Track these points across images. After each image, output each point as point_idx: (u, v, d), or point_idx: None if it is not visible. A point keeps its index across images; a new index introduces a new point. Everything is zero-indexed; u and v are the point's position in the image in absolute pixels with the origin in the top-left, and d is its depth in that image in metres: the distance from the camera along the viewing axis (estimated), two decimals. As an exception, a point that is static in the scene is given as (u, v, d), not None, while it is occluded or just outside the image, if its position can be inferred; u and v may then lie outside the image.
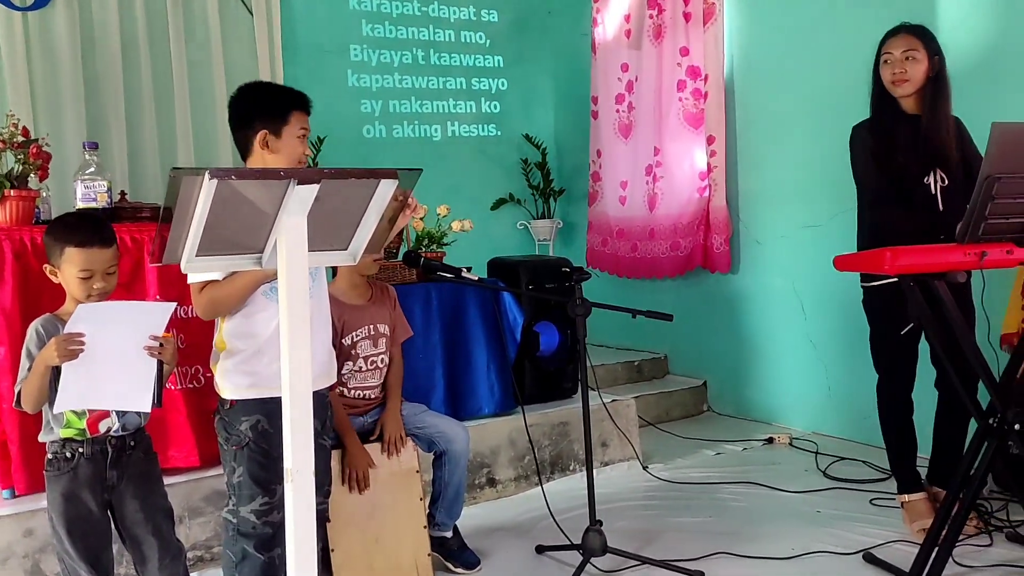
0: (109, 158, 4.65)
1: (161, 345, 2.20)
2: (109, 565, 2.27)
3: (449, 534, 3.03)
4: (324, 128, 5.27)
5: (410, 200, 2.15)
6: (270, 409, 2.33)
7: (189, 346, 2.98)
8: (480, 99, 6.07)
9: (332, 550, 2.72)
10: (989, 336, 2.94)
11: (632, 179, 5.59)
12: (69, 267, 2.19)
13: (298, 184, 1.90)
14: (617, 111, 5.65)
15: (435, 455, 2.99)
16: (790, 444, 4.55)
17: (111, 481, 2.24)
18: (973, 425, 2.76)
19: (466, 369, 3.78)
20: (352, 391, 2.93)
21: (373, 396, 2.97)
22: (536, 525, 3.41)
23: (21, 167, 3.03)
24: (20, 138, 3.04)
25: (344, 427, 2.82)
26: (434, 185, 5.83)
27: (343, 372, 2.90)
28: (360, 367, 2.93)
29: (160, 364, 2.22)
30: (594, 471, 4.00)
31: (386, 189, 2.05)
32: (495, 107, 6.13)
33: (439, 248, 3.91)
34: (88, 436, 2.22)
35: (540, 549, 3.17)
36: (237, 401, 2.33)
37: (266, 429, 2.33)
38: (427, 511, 2.99)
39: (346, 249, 2.17)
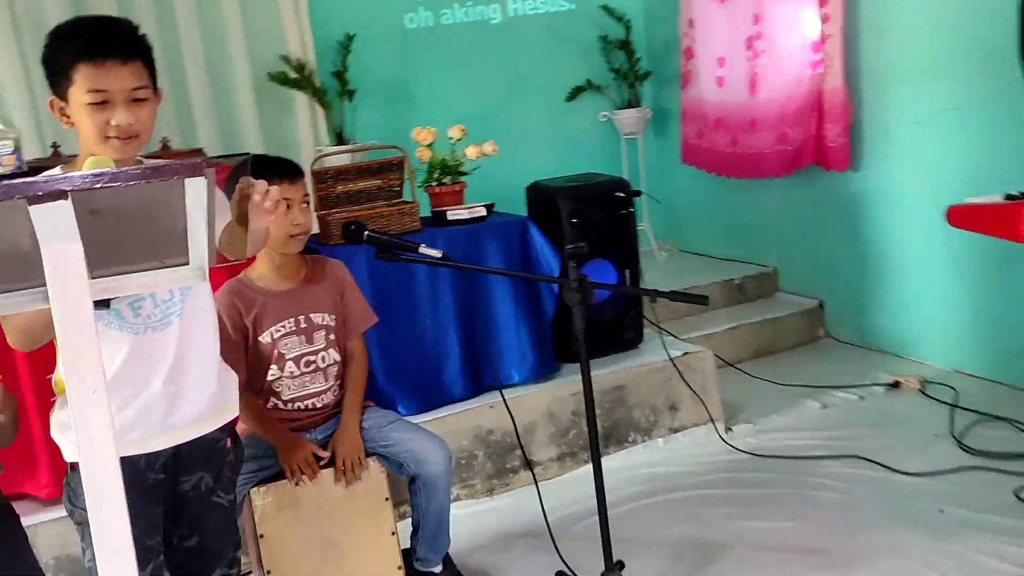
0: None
1: None
2: None
3: (438, 569, 2.43)
4: (355, 23, 4.54)
5: (256, 190, 1.44)
6: (123, 474, 1.75)
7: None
8: (548, -34, 5.11)
9: (276, 607, 2.19)
10: None
11: (730, 55, 4.54)
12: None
13: (30, 205, 1.23)
14: (710, -33, 4.57)
15: (408, 479, 2.36)
16: (921, 391, 3.62)
17: None
18: None
19: (488, 331, 3.10)
20: (289, 403, 2.32)
21: (321, 404, 2.36)
22: (579, 523, 2.75)
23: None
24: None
25: (263, 424, 2.26)
26: (495, 78, 5.07)
27: (269, 379, 2.29)
28: (291, 371, 2.30)
29: None
30: (660, 441, 3.35)
31: (198, 189, 1.33)
32: (567, -26, 5.15)
33: (456, 180, 3.16)
34: None
35: None
36: (76, 464, 1.77)
37: (120, 501, 1.75)
38: (404, 546, 2.40)
39: (187, 264, 1.49)
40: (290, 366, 2.29)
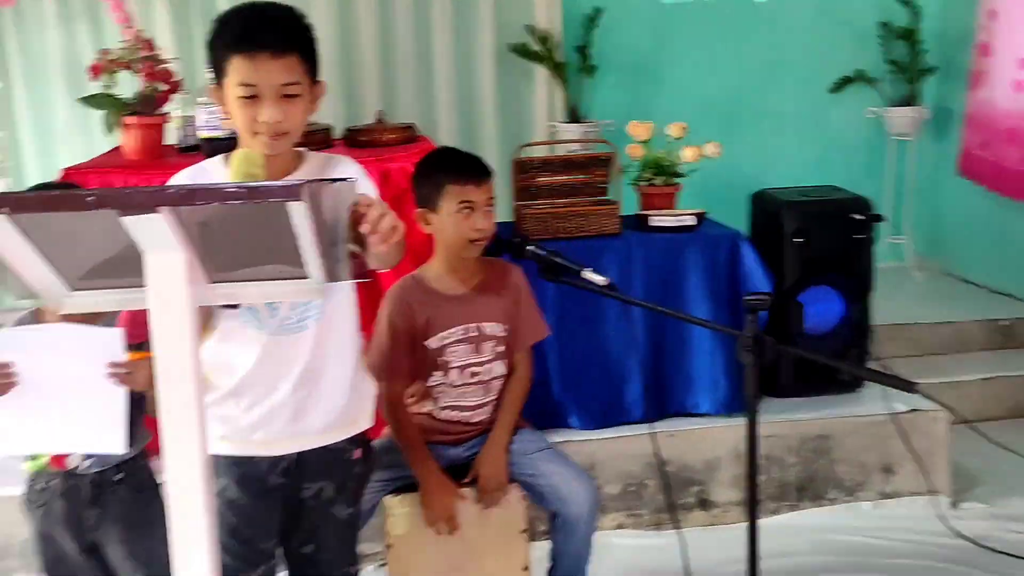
0: (360, 48, 4.18)
1: (128, 372, 1.69)
2: None
3: (571, 612, 2.24)
4: (605, -4, 4.30)
5: (367, 215, 1.31)
6: (244, 473, 1.74)
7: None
8: (831, -62, 4.56)
9: (395, 622, 2.12)
10: None
11: (1037, 55, 3.83)
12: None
13: (120, 216, 1.18)
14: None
15: (549, 513, 2.18)
16: None
17: (90, 522, 1.84)
18: None
19: (679, 352, 2.82)
20: (444, 411, 2.21)
21: (475, 421, 2.22)
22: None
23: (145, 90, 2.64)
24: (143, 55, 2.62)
25: (414, 453, 2.13)
26: (751, 61, 4.63)
27: (430, 383, 2.18)
28: (453, 380, 2.17)
29: (135, 394, 1.71)
30: (866, 506, 2.92)
31: (300, 211, 1.23)
32: (852, -51, 4.57)
33: (669, 182, 2.89)
34: (55, 470, 1.83)
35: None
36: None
37: (234, 499, 1.73)
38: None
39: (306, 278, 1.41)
40: (454, 374, 2.17)
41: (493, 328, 2.18)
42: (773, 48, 4.58)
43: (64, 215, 1.21)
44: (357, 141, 2.83)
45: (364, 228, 1.31)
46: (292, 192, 1.18)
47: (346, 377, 1.77)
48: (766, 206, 3.02)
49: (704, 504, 2.85)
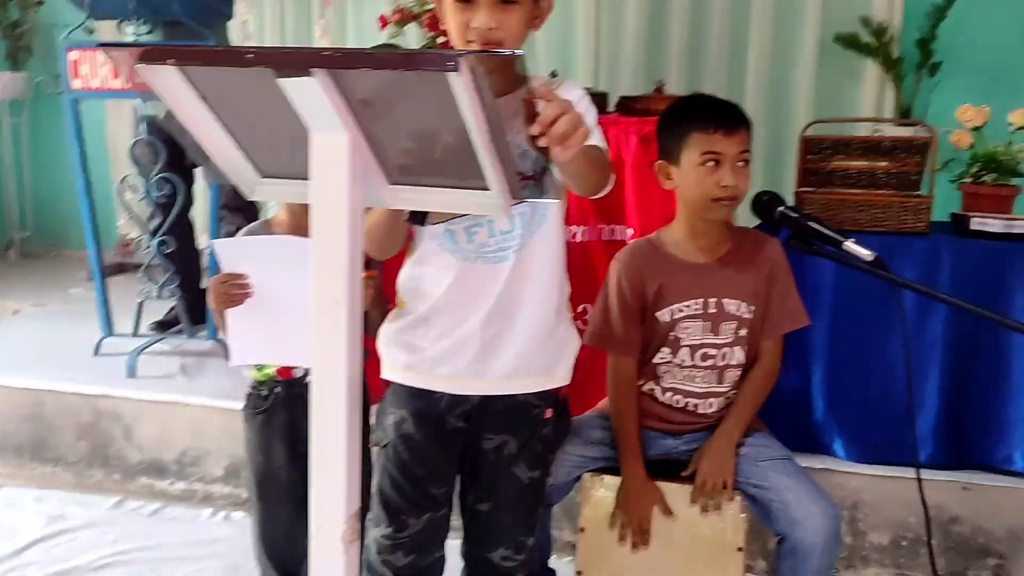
0: (667, 28, 4.00)
1: None
2: (297, 555, 1.81)
3: (789, 661, 1.84)
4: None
5: (545, 109, 1.11)
6: (423, 408, 1.61)
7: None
8: None
9: (576, 618, 1.87)
10: None
11: None
12: None
13: (277, 76, 1.11)
14: None
15: (777, 537, 1.80)
16: None
17: (305, 432, 1.79)
18: None
19: (993, 387, 2.26)
20: (667, 393, 1.92)
21: (701, 412, 1.90)
22: None
23: (427, 42, 2.65)
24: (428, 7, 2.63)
25: (625, 444, 1.87)
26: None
27: (656, 360, 1.91)
28: (683, 360, 1.88)
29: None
30: None
31: (461, 89, 1.08)
32: None
33: (1003, 181, 2.36)
34: (280, 379, 1.83)
35: None
36: (391, 384, 1.65)
37: (410, 434, 1.60)
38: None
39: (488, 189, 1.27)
40: (684, 353, 1.88)
41: (736, 307, 1.85)
42: None
43: (243, 85, 1.16)
44: (631, 109, 2.62)
45: (534, 128, 1.10)
46: (451, 62, 1.02)
47: (543, 321, 1.58)
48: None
49: (1001, 582, 2.27)
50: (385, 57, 1.07)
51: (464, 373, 1.58)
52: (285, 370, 1.82)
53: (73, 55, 2.87)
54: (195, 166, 3.23)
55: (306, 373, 1.77)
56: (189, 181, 3.21)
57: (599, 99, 2.73)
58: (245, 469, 1.92)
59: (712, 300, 1.85)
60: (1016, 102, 3.74)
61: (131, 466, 2.87)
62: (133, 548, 2.54)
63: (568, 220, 2.52)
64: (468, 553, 1.72)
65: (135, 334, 3.23)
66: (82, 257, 4.37)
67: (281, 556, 1.85)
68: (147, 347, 3.10)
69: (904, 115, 3.74)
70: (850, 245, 1.51)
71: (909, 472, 2.27)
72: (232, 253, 1.66)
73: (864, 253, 1.49)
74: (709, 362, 1.88)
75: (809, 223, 1.54)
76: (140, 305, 3.23)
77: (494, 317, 1.55)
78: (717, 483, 1.80)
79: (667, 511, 1.83)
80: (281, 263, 1.61)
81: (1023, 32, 3.79)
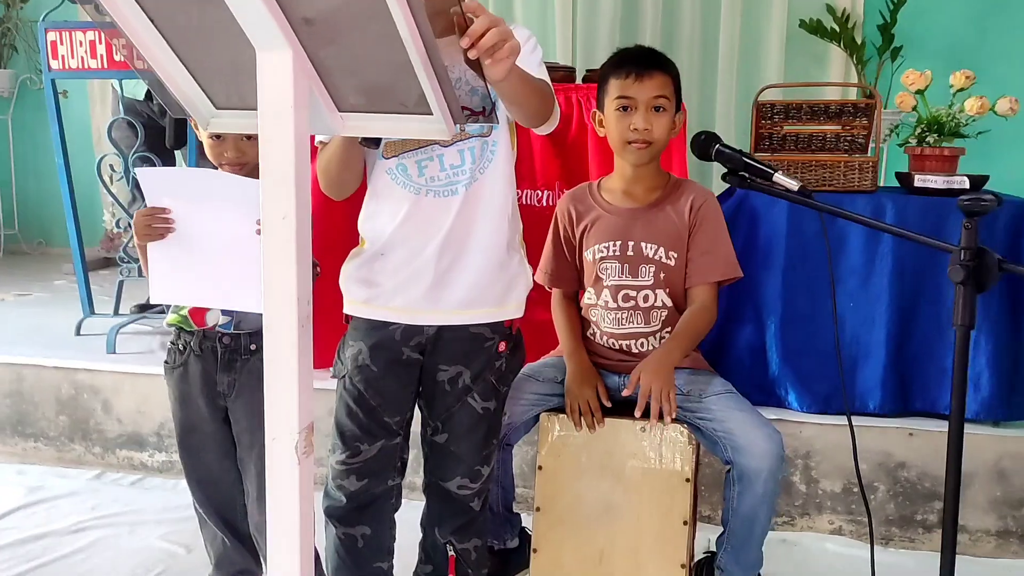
0: (640, 13, 4.12)
1: None
2: (230, 499, 1.85)
3: (740, 588, 1.92)
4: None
5: (474, 23, 1.19)
6: (378, 340, 1.69)
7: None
8: None
9: (535, 550, 1.94)
10: None
11: None
12: None
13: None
14: None
15: (725, 467, 1.88)
16: None
17: (222, 388, 1.80)
18: None
19: (934, 339, 2.36)
20: (605, 338, 2.01)
21: (638, 351, 1.99)
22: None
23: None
24: None
25: (568, 343, 2.00)
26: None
27: (585, 302, 2.03)
28: (606, 301, 1.98)
29: None
30: None
31: (399, 5, 1.17)
32: None
33: (944, 143, 2.45)
34: (195, 328, 1.80)
35: None
36: (352, 318, 1.73)
37: (367, 365, 1.68)
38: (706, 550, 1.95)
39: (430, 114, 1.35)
40: (606, 295, 1.98)
41: (653, 250, 1.95)
42: None
43: (193, 9, 1.24)
44: (596, 81, 2.72)
45: (464, 41, 1.19)
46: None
47: (494, 254, 1.66)
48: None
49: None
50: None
51: (419, 304, 1.65)
52: (199, 317, 1.78)
53: (51, 36, 2.96)
54: (175, 147, 3.31)
55: (216, 323, 1.77)
56: (168, 162, 3.29)
57: (568, 72, 2.83)
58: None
59: (630, 243, 1.96)
60: (972, 86, 3.89)
61: (111, 439, 2.93)
62: (112, 513, 2.60)
63: (536, 184, 2.62)
64: (428, 485, 1.79)
65: (115, 314, 3.30)
66: (67, 254, 4.44)
67: (215, 503, 1.86)
68: (126, 324, 3.16)
69: (868, 97, 3.86)
70: (779, 177, 1.59)
71: (858, 420, 2.37)
72: (157, 184, 1.66)
73: (791, 183, 1.58)
74: (630, 303, 1.97)
75: (742, 157, 1.63)
76: (120, 285, 3.31)
77: (446, 249, 1.63)
78: (657, 393, 1.84)
79: (607, 396, 1.92)
80: (209, 199, 1.62)
81: (978, 17, 3.93)
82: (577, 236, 2.01)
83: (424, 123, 1.32)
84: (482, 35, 1.18)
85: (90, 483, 2.81)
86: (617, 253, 1.97)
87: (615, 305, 1.98)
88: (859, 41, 3.89)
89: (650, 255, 1.96)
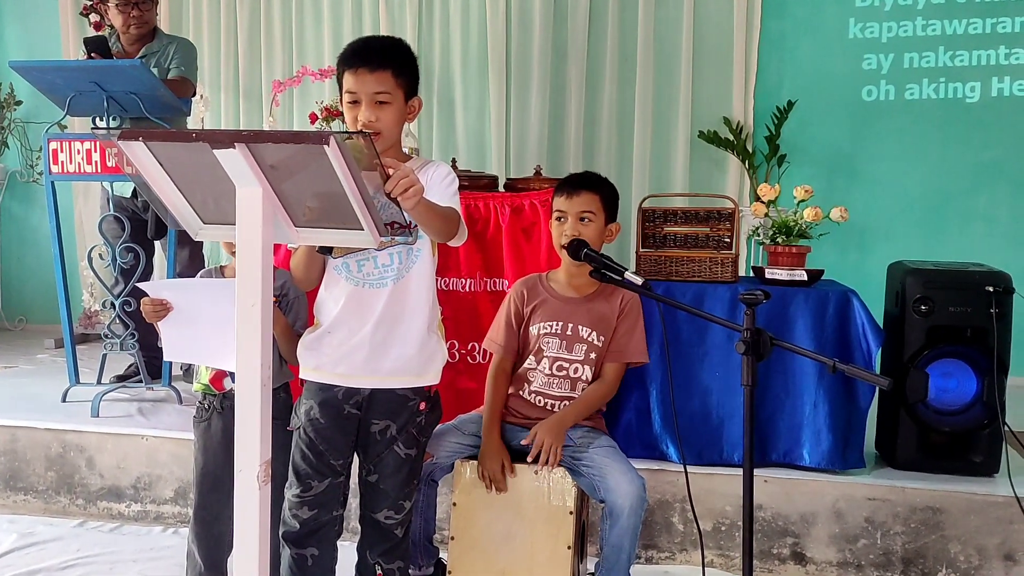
0: (565, 127, 4.75)
1: None
2: (221, 536, 2.31)
3: (612, 609, 2.40)
4: (806, 91, 4.53)
5: (391, 172, 1.72)
6: (326, 398, 2.17)
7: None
8: (1050, 44, 4.46)
9: (449, 572, 2.41)
10: None
11: None
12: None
13: (212, 148, 1.69)
14: None
15: (600, 504, 2.38)
16: None
17: None
18: None
19: (786, 397, 2.89)
20: (532, 395, 2.54)
21: (553, 409, 2.51)
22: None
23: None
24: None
25: (489, 418, 2.48)
26: (958, 162, 4.54)
27: (525, 366, 2.54)
28: (544, 368, 2.51)
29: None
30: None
31: (335, 156, 1.68)
32: (1074, 53, 4.44)
33: (794, 242, 3.04)
34: (215, 392, 2.34)
35: None
36: (306, 381, 2.22)
37: (316, 418, 2.16)
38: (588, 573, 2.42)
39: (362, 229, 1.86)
40: (544, 363, 2.50)
41: (587, 333, 2.49)
42: (984, 151, 4.52)
43: (190, 157, 1.75)
44: (514, 187, 3.29)
45: (387, 186, 1.72)
46: (323, 138, 1.62)
47: (417, 334, 2.15)
48: (895, 274, 3.05)
49: (799, 558, 2.85)
50: (282, 135, 1.67)
51: (357, 372, 2.14)
52: (218, 383, 2.33)
53: (53, 145, 3.49)
54: (155, 238, 3.81)
55: (233, 387, 2.20)
56: (149, 251, 3.78)
57: (490, 180, 3.40)
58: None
59: (570, 324, 2.50)
60: (849, 187, 4.55)
61: (93, 492, 3.34)
62: (94, 554, 3.02)
63: (460, 273, 3.15)
64: (362, 516, 2.25)
65: (99, 382, 3.74)
66: (48, 330, 4.91)
67: (210, 538, 2.34)
68: (109, 391, 3.61)
69: (758, 199, 4.49)
70: (628, 275, 2.14)
71: (724, 470, 2.89)
72: (155, 289, 2.25)
73: (636, 280, 2.12)
74: (563, 373, 2.51)
75: (602, 259, 2.18)
76: (103, 358, 3.76)
77: (379, 328, 2.13)
78: (547, 446, 2.37)
79: (511, 469, 2.40)
80: (198, 295, 2.21)
81: (853, 129, 4.60)
82: (526, 314, 2.54)
83: (356, 235, 1.83)
84: (396, 184, 1.72)
85: (74, 530, 3.22)
86: (558, 331, 2.51)
87: (550, 372, 2.51)
88: (750, 149, 4.54)
89: (584, 336, 2.50)
